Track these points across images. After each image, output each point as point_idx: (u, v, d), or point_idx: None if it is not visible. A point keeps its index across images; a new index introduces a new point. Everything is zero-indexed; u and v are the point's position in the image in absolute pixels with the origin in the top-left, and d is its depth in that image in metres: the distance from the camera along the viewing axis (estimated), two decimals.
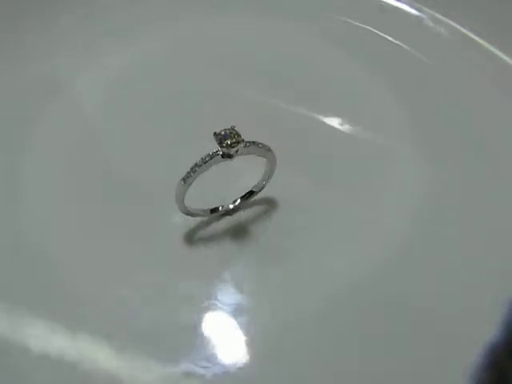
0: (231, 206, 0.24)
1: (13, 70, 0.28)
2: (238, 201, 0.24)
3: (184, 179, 0.21)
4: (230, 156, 0.21)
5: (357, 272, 0.23)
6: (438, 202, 0.25)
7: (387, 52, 0.30)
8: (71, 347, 0.21)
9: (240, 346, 0.21)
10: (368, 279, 0.23)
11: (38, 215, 0.24)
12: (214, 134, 0.21)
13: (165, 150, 0.26)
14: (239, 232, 0.24)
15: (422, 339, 0.22)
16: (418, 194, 0.25)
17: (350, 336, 0.22)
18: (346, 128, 0.27)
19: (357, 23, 0.31)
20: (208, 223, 0.24)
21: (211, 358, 0.21)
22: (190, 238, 0.24)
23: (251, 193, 0.24)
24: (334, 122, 0.28)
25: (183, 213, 0.23)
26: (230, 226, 0.24)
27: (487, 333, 0.21)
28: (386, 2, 0.32)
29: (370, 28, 0.31)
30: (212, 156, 0.21)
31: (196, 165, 0.21)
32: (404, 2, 0.32)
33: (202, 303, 0.22)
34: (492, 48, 0.30)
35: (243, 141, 0.21)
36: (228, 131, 0.21)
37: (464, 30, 0.31)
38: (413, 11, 0.32)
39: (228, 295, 0.23)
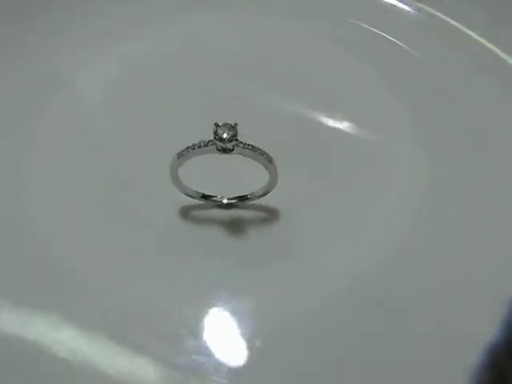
0: (225, 201, 0.24)
1: (13, 69, 0.28)
2: (234, 200, 0.24)
3: (178, 154, 0.22)
4: (224, 150, 0.21)
5: (356, 272, 0.23)
6: (437, 201, 0.25)
7: (388, 51, 0.30)
8: (72, 341, 0.21)
9: (239, 344, 0.21)
10: (368, 279, 0.23)
11: (40, 213, 0.24)
12: (215, 124, 0.21)
13: (165, 148, 0.26)
14: (238, 231, 0.24)
15: (421, 339, 0.22)
16: (417, 193, 0.25)
17: (349, 336, 0.22)
18: (346, 127, 0.27)
19: (358, 23, 0.31)
20: (208, 222, 0.24)
21: (209, 357, 0.21)
22: (189, 235, 0.24)
23: (247, 198, 0.24)
24: (334, 121, 0.28)
25: (176, 186, 0.23)
26: (230, 224, 0.24)
27: (487, 333, 0.21)
28: (388, 2, 0.32)
29: (371, 28, 0.31)
30: (206, 144, 0.21)
31: (192, 146, 0.21)
32: (406, 3, 0.32)
33: (202, 301, 0.22)
34: (493, 47, 0.30)
35: (236, 140, 0.21)
36: (227, 126, 0.21)
37: (465, 30, 0.31)
38: (414, 11, 0.32)
39: (227, 294, 0.23)
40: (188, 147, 0.22)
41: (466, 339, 0.21)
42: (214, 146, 0.21)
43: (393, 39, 0.31)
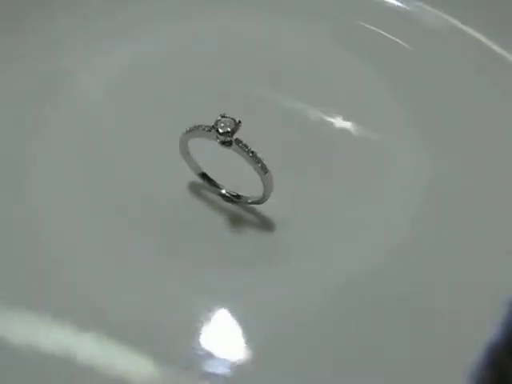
0: (223, 191, 0.25)
1: (13, 69, 0.28)
2: (228, 195, 0.25)
3: (187, 131, 0.22)
4: (223, 142, 0.21)
5: (356, 272, 0.23)
6: (437, 201, 0.25)
7: (388, 51, 0.30)
8: (74, 342, 0.21)
9: (237, 344, 0.21)
10: (368, 279, 0.23)
11: (40, 213, 0.24)
12: (221, 114, 0.21)
13: (165, 149, 0.26)
14: (237, 230, 0.24)
15: (421, 339, 0.22)
16: (417, 193, 0.25)
17: (349, 335, 0.22)
18: (346, 127, 0.27)
19: (359, 22, 0.31)
20: (208, 221, 0.24)
21: (210, 354, 0.21)
22: (190, 235, 0.24)
23: (240, 199, 0.25)
24: (334, 120, 0.28)
25: (181, 154, 0.24)
26: (230, 223, 0.24)
27: (487, 333, 0.21)
28: (389, 2, 0.32)
29: (371, 27, 0.31)
30: (209, 130, 0.21)
31: (197, 126, 0.22)
32: (406, 2, 0.32)
33: (201, 300, 0.22)
34: (494, 47, 0.30)
35: (230, 137, 0.21)
36: (230, 120, 0.21)
37: (466, 29, 0.31)
38: (414, 10, 0.32)
39: (226, 294, 0.23)
40: (195, 126, 0.22)
41: (465, 339, 0.21)
42: (215, 135, 0.21)
43: (393, 38, 0.31)
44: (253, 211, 0.24)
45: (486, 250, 0.23)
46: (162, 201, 0.25)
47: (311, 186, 0.25)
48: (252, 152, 0.21)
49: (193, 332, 0.22)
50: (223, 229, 0.24)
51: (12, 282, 0.23)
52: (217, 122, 0.21)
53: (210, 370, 0.21)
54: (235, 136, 0.21)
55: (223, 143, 0.21)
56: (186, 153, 0.24)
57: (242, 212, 0.25)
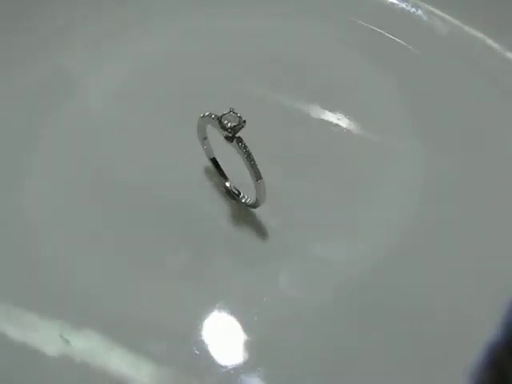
0: (227, 184, 0.25)
1: (13, 70, 0.28)
2: (231, 190, 0.25)
3: (204, 114, 0.22)
4: (226, 137, 0.21)
5: (356, 272, 0.23)
6: (437, 201, 0.25)
7: (389, 50, 0.30)
8: (73, 342, 0.21)
9: (239, 343, 0.22)
10: (367, 279, 0.23)
11: (39, 213, 0.24)
12: (230, 108, 0.22)
13: (165, 149, 0.26)
14: (238, 229, 0.24)
15: (421, 339, 0.22)
16: (417, 192, 0.25)
17: (349, 335, 0.22)
18: (346, 126, 0.27)
19: (360, 22, 0.31)
20: (208, 221, 0.24)
21: (210, 354, 0.21)
22: (190, 235, 0.24)
23: (238, 197, 0.25)
24: (334, 120, 0.28)
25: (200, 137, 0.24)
26: (230, 223, 0.24)
27: (487, 333, 0.21)
28: (389, 2, 0.32)
29: (371, 27, 0.31)
30: (213, 118, 0.22)
31: (210, 114, 0.22)
32: (407, 2, 0.32)
33: (201, 300, 0.22)
34: (494, 46, 0.30)
35: (230, 133, 0.21)
36: (234, 116, 0.21)
37: (466, 29, 0.31)
38: (415, 10, 0.32)
39: (226, 294, 0.23)
40: (209, 113, 0.22)
41: (466, 339, 0.21)
42: (219, 125, 0.21)
43: (394, 38, 0.31)
44: (253, 211, 0.24)
45: (485, 250, 0.24)
46: (162, 201, 0.25)
47: (311, 185, 0.25)
48: (249, 155, 0.21)
49: (193, 332, 0.22)
50: (224, 229, 0.24)
51: (12, 283, 0.23)
52: (223, 115, 0.21)
53: (210, 370, 0.21)
54: (239, 134, 0.21)
55: (226, 137, 0.22)
56: (201, 136, 0.24)
57: (242, 212, 0.25)
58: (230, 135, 0.21)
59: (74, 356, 0.21)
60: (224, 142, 0.22)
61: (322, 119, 0.28)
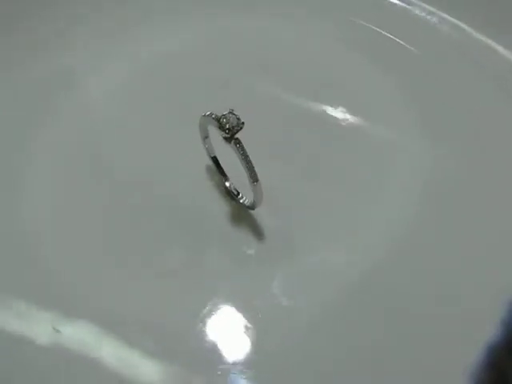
0: (227, 184, 0.25)
1: (12, 70, 0.28)
2: (230, 190, 0.25)
3: (205, 114, 0.22)
4: (225, 137, 0.21)
5: (356, 272, 0.23)
6: (438, 201, 0.25)
7: (389, 50, 0.30)
8: (75, 339, 0.21)
9: (239, 343, 0.22)
10: (367, 279, 0.23)
11: (40, 213, 0.24)
12: (230, 109, 0.22)
13: (165, 149, 0.26)
14: (239, 229, 0.24)
15: (421, 339, 0.22)
16: (418, 192, 0.25)
17: (349, 335, 0.22)
18: (346, 126, 0.27)
19: (360, 22, 0.31)
20: (207, 221, 0.24)
21: (210, 354, 0.21)
22: (189, 236, 0.24)
23: (236, 198, 0.25)
24: (334, 119, 0.28)
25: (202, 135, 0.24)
26: (231, 223, 0.24)
27: (487, 333, 0.21)
28: (390, 1, 0.32)
29: (371, 26, 0.31)
30: (213, 118, 0.22)
31: (211, 114, 0.22)
32: (408, 1, 0.32)
33: (200, 301, 0.22)
34: (494, 45, 0.30)
35: (228, 134, 0.21)
36: (233, 117, 0.21)
37: (466, 28, 0.31)
38: (415, 9, 0.32)
39: (226, 293, 0.23)
40: (210, 113, 0.22)
41: (466, 339, 0.21)
42: (218, 125, 0.22)
43: (395, 38, 0.31)
44: (254, 211, 0.24)
45: (485, 250, 0.23)
46: (162, 200, 0.25)
47: (311, 185, 0.25)
48: (246, 157, 0.21)
49: (193, 332, 0.22)
50: (223, 228, 0.24)
51: (12, 284, 0.23)
52: (222, 115, 0.22)
53: (210, 370, 0.21)
54: (238, 135, 0.21)
55: (224, 138, 0.22)
56: (203, 135, 0.24)
57: (242, 212, 0.25)
58: (228, 136, 0.21)
59: (73, 356, 0.21)
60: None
61: (322, 119, 0.28)
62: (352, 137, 0.27)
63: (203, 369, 0.21)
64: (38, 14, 0.30)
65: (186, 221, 0.24)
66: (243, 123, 0.21)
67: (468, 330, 0.22)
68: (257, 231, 0.24)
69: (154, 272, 0.23)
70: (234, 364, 0.21)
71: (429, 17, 0.31)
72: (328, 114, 0.28)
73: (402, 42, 0.30)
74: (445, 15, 0.31)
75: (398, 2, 0.32)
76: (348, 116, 0.28)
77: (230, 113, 0.22)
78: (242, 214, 0.24)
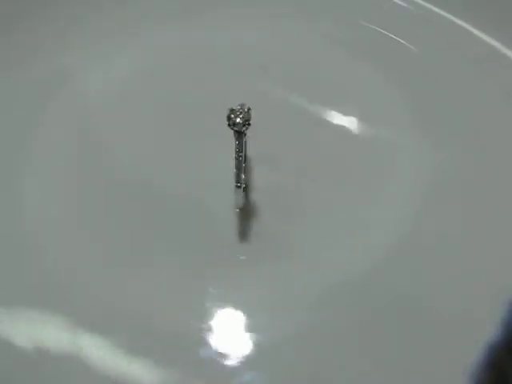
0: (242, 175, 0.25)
1: (13, 70, 0.28)
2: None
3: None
4: (238, 132, 0.21)
5: (356, 272, 0.23)
6: (438, 201, 0.25)
7: (389, 49, 0.30)
8: (74, 340, 0.21)
9: (239, 343, 0.22)
10: (367, 279, 0.23)
11: (41, 215, 0.24)
12: (243, 104, 0.22)
13: (165, 149, 0.26)
14: (239, 229, 0.24)
15: (421, 338, 0.22)
16: (417, 192, 0.25)
17: (348, 335, 0.22)
18: (346, 126, 0.27)
19: (360, 21, 0.31)
20: (207, 220, 0.24)
21: (210, 354, 0.21)
22: (189, 236, 0.24)
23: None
24: (334, 119, 0.28)
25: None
26: (231, 222, 0.24)
27: (487, 333, 0.21)
28: (393, 2, 0.32)
29: (371, 26, 0.31)
30: (231, 110, 0.21)
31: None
32: (411, 2, 0.32)
33: (200, 301, 0.22)
34: (495, 44, 0.30)
35: (231, 124, 0.21)
36: (243, 114, 0.21)
37: (469, 29, 0.31)
38: (415, 9, 0.32)
39: (226, 293, 0.23)
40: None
41: (466, 339, 0.21)
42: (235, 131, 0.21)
43: (395, 38, 0.31)
44: (254, 210, 0.24)
45: (485, 250, 0.23)
46: (162, 201, 0.25)
47: (311, 185, 0.25)
48: (239, 156, 0.21)
49: (193, 332, 0.22)
50: (224, 228, 0.24)
51: (12, 285, 0.23)
52: (232, 110, 0.21)
53: (211, 370, 0.21)
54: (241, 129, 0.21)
55: (238, 132, 0.22)
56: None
57: (241, 211, 0.25)
58: (233, 130, 0.21)
59: (74, 357, 0.21)
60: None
61: (322, 119, 0.28)
62: (352, 136, 0.27)
63: (203, 369, 0.21)
64: (37, 14, 0.30)
65: (186, 222, 0.24)
66: (249, 120, 0.21)
67: (468, 330, 0.22)
68: (256, 231, 0.24)
69: (154, 272, 0.23)
70: (234, 364, 0.21)
71: (429, 15, 0.31)
72: (328, 114, 0.28)
73: (402, 41, 0.30)
74: (445, 14, 0.31)
75: (398, 1, 0.32)
76: (348, 115, 0.28)
77: (242, 109, 0.21)
78: (241, 214, 0.24)
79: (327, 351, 0.21)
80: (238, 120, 0.21)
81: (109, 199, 0.25)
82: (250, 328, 0.22)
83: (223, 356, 0.21)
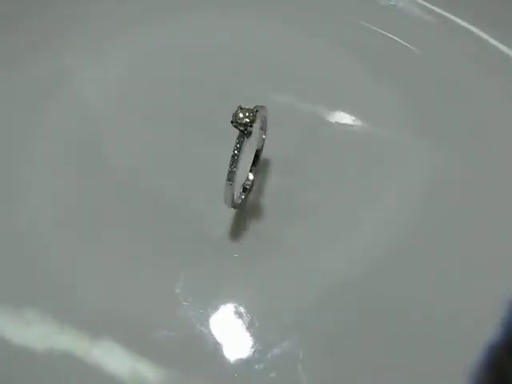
0: (250, 176, 0.25)
1: (13, 70, 0.28)
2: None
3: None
4: (243, 132, 0.21)
5: (356, 271, 0.23)
6: (437, 201, 0.25)
7: (389, 49, 0.30)
8: (74, 340, 0.21)
9: (239, 342, 0.22)
10: (367, 278, 0.23)
11: (40, 215, 0.24)
12: (255, 107, 0.22)
13: (165, 149, 0.26)
14: (239, 229, 0.24)
15: (421, 339, 0.22)
16: (418, 192, 0.25)
17: (348, 335, 0.22)
18: (346, 126, 0.27)
19: (359, 22, 0.31)
20: (207, 220, 0.24)
21: (209, 354, 0.21)
22: (188, 236, 0.24)
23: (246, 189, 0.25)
24: (334, 119, 0.28)
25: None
26: (231, 222, 0.24)
27: (487, 333, 0.21)
28: (393, 3, 0.32)
29: (371, 26, 0.31)
30: (239, 108, 0.21)
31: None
32: (411, 2, 0.32)
33: (200, 300, 0.22)
34: (495, 44, 0.30)
35: (234, 122, 0.21)
36: (249, 114, 0.21)
37: (471, 29, 0.31)
38: (415, 9, 0.32)
39: (226, 293, 0.23)
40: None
41: (466, 339, 0.21)
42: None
43: (395, 38, 0.31)
44: (255, 210, 0.24)
45: (486, 251, 0.23)
46: (162, 201, 0.25)
47: (311, 185, 0.25)
48: (234, 155, 0.21)
49: (193, 332, 0.22)
50: (224, 228, 0.24)
51: (11, 285, 0.23)
52: (240, 108, 0.21)
53: (210, 370, 0.21)
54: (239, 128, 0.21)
55: (244, 132, 0.22)
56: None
57: (241, 211, 0.25)
58: (237, 129, 0.21)
59: (75, 359, 0.21)
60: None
61: (322, 119, 0.28)
62: (352, 137, 0.27)
63: (202, 370, 0.21)
64: (37, 14, 0.30)
65: (183, 221, 0.24)
66: (253, 121, 0.21)
67: (468, 330, 0.22)
68: (256, 231, 0.24)
69: (154, 272, 0.23)
70: (233, 364, 0.21)
71: (430, 16, 0.31)
72: (328, 114, 0.28)
73: (403, 42, 0.30)
74: (446, 14, 0.31)
75: (398, 2, 0.32)
76: (348, 116, 0.28)
77: (251, 110, 0.21)
78: (241, 214, 0.24)
79: (327, 351, 0.21)
80: (243, 119, 0.21)
81: (109, 199, 0.25)
82: (250, 328, 0.22)
83: (220, 357, 0.21)
